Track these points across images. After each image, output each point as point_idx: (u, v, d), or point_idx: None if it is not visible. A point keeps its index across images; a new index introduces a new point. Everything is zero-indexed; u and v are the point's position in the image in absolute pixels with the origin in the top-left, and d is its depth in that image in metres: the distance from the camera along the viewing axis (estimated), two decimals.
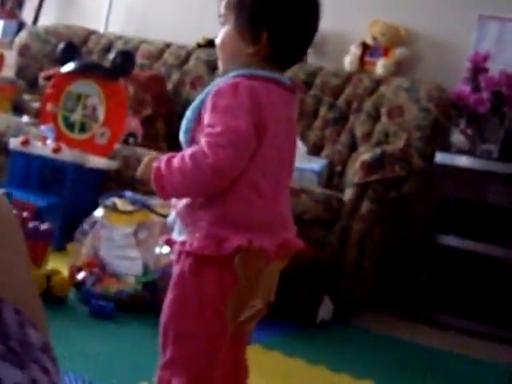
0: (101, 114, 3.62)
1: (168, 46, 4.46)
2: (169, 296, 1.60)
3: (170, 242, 1.63)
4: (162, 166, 1.53)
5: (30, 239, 2.60)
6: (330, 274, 3.15)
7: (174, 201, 1.63)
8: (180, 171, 1.50)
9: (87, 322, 2.47)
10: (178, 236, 1.59)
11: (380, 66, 3.99)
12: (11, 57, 4.58)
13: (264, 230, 1.55)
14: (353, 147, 3.78)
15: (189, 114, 1.59)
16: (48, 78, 4.07)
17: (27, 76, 4.53)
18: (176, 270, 1.58)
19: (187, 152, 1.53)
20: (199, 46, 4.40)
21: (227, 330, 1.59)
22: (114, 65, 3.70)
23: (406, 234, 3.64)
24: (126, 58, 3.79)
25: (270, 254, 1.53)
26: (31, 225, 2.63)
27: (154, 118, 4.16)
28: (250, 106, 1.51)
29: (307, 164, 3.68)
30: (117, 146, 3.62)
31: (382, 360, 2.71)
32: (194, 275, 1.55)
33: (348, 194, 3.24)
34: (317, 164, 3.69)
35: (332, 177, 3.74)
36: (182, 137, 1.60)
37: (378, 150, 3.28)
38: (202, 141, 1.50)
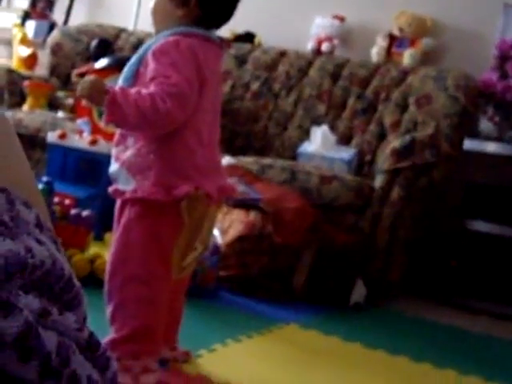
0: None
1: None
2: (114, 245, 1.70)
3: (117, 193, 1.72)
4: (118, 92, 1.60)
5: (73, 225, 2.69)
6: (362, 257, 3.21)
7: (115, 152, 1.73)
8: (136, 105, 1.58)
9: None
10: (125, 186, 1.69)
11: (407, 57, 4.05)
12: (44, 56, 4.69)
13: (206, 177, 1.69)
14: (381, 136, 3.84)
15: (127, 71, 1.70)
16: (81, 75, 4.16)
17: (60, 74, 4.64)
18: (122, 220, 1.69)
19: (143, 90, 1.61)
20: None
21: (171, 273, 1.71)
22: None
23: (437, 220, 3.69)
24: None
25: (212, 198, 1.69)
26: (73, 211, 2.72)
27: None
28: (191, 60, 1.65)
29: (337, 153, 3.74)
30: None
31: (416, 340, 2.76)
32: (140, 221, 1.67)
33: (378, 180, 3.30)
34: (346, 153, 3.75)
35: (362, 166, 3.80)
36: None
37: (407, 137, 3.34)
38: (155, 88, 1.60)
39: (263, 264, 2.96)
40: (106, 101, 1.60)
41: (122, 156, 1.72)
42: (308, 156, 3.80)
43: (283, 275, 2.99)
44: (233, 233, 3.00)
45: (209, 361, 2.03)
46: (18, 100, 4.24)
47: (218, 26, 1.79)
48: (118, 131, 1.76)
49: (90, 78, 1.67)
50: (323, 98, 4.06)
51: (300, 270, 3.00)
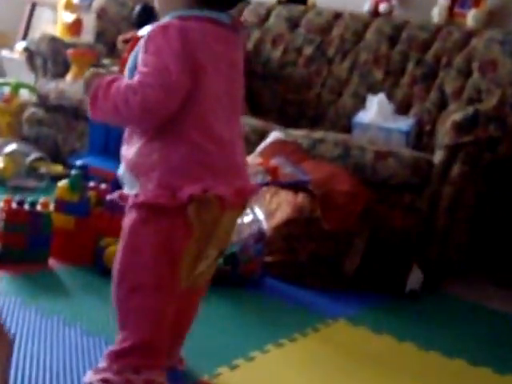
0: None
1: (247, 3, 4.30)
2: (120, 251, 1.58)
3: (122, 197, 1.61)
4: (102, 87, 1.53)
5: (109, 212, 2.55)
6: (419, 241, 2.99)
7: (123, 151, 1.61)
8: (113, 101, 1.50)
9: None
10: (130, 190, 1.57)
11: (471, 18, 3.75)
12: (90, 20, 4.53)
13: (219, 178, 1.54)
14: (442, 105, 3.58)
15: (131, 61, 1.59)
16: (126, 42, 4.00)
17: (106, 40, 4.47)
18: (127, 220, 1.56)
19: (125, 83, 1.51)
20: (279, 2, 4.24)
21: (179, 281, 1.57)
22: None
23: (500, 197, 3.44)
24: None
25: (226, 202, 1.52)
26: (109, 197, 2.57)
27: None
28: (180, 46, 1.50)
29: (394, 124, 3.51)
30: None
31: (475, 333, 2.55)
32: (145, 225, 1.53)
33: (438, 156, 3.06)
34: (405, 123, 3.51)
35: (421, 136, 3.55)
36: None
37: (470, 109, 3.08)
38: (134, 79, 1.50)
39: (312, 249, 2.77)
40: (90, 96, 1.55)
41: (127, 155, 1.58)
42: (363, 127, 3.58)
43: (333, 261, 2.80)
44: (280, 216, 2.81)
45: (246, 372, 1.87)
46: (62, 69, 4.08)
47: (230, 6, 1.60)
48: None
49: (91, 70, 1.59)
50: (380, 63, 3.82)
51: (351, 255, 2.81)
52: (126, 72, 1.59)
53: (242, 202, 1.64)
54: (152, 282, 1.55)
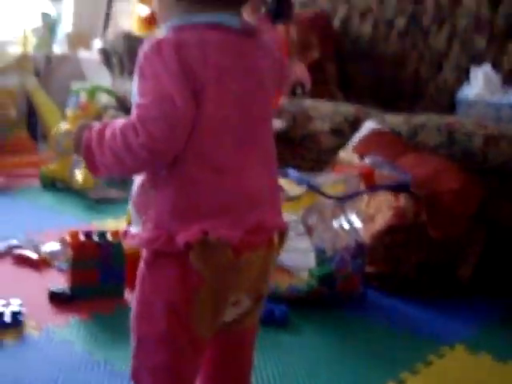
0: None
1: None
2: (134, 295, 1.34)
3: (125, 235, 1.35)
4: (94, 138, 1.26)
5: None
6: None
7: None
8: (111, 150, 1.23)
9: None
10: (134, 228, 1.31)
11: None
12: None
13: (220, 217, 1.24)
14: None
15: (133, 86, 1.28)
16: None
17: None
18: (139, 266, 1.32)
19: (119, 125, 1.23)
20: None
21: (195, 335, 1.30)
22: (271, 10, 3.27)
23: None
24: (284, 1, 3.34)
25: (235, 244, 1.24)
26: None
27: (321, 61, 3.72)
28: (178, 67, 1.20)
29: (503, 97, 3.12)
30: (283, 100, 3.22)
31: None
32: (151, 270, 1.30)
33: None
34: None
35: None
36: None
37: None
38: (132, 116, 1.21)
39: (418, 259, 2.45)
40: (83, 154, 1.27)
41: (133, 186, 1.33)
42: (469, 103, 3.20)
43: (444, 270, 2.47)
44: (380, 221, 2.50)
45: None
46: None
47: (237, 4, 1.28)
48: None
49: (78, 123, 1.33)
50: (482, 29, 3.42)
51: (465, 262, 2.46)
52: (132, 97, 1.31)
53: (266, 240, 1.32)
54: (155, 335, 1.30)
